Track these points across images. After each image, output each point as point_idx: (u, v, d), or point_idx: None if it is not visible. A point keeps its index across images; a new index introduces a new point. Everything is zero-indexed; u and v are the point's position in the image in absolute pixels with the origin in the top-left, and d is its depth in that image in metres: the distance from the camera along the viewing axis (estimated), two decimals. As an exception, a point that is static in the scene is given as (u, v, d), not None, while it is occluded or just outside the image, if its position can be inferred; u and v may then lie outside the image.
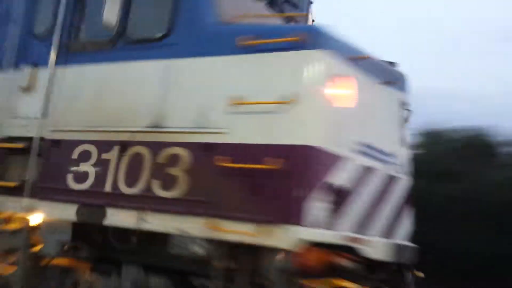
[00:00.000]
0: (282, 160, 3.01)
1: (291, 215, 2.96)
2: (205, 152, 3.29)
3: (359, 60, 3.49)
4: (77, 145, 3.88)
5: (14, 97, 4.36)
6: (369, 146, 3.53)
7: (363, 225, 3.43)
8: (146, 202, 3.44)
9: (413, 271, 4.68)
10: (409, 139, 4.13)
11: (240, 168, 3.12)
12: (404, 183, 3.89)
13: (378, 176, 3.59)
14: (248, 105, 3.18)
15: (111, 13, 3.73)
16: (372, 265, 3.90)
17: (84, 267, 3.95)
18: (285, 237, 2.95)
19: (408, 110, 4.11)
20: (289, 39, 3.19)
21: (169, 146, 3.44)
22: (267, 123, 3.15)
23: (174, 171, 3.38)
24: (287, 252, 2.96)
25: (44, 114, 4.11)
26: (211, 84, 3.40)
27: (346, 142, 3.33)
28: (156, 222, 3.39)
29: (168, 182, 3.38)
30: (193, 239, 3.29)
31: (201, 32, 3.55)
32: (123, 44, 3.86)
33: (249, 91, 3.23)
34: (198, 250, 3.29)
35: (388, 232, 3.71)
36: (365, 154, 3.48)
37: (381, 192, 3.63)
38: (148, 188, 3.45)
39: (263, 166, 3.03)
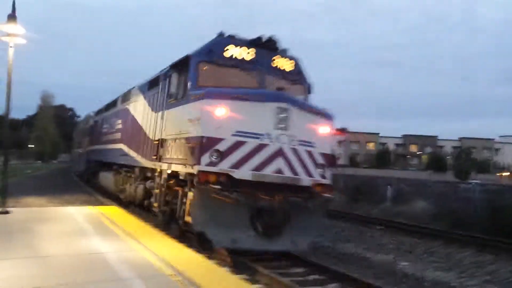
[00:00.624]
0: (195, 142, 8.55)
1: (197, 162, 8.45)
2: (186, 141, 9.07)
3: (238, 98, 8.53)
4: (168, 141, 10.22)
5: (159, 121, 11.06)
6: (243, 132, 8.49)
7: (241, 165, 8.45)
8: (176, 161, 9.47)
9: (318, 194, 9.13)
10: (282, 123, 8.65)
11: (189, 146, 8.78)
12: (271, 146, 8.55)
13: (249, 144, 8.48)
14: (191, 122, 8.82)
15: (173, 90, 9.98)
16: (298, 188, 8.80)
17: (180, 189, 10.17)
18: (195, 169, 8.49)
19: (285, 110, 8.66)
20: (200, 95, 8.66)
21: (182, 139, 9.35)
22: (193, 127, 8.72)
23: (181, 148, 9.29)
24: (196, 174, 8.47)
25: (163, 129, 10.63)
26: (186, 115, 9.16)
27: (225, 131, 8.44)
28: (178, 168, 9.38)
29: (180, 153, 9.31)
30: (183, 173, 9.17)
31: (188, 94, 9.32)
32: (176, 100, 9.97)
33: (191, 116, 8.85)
34: (184, 175, 9.16)
35: (264, 167, 8.51)
36: (239, 135, 8.47)
37: (253, 151, 8.50)
38: (177, 155, 9.47)
39: (192, 145, 8.63)
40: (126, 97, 16.17)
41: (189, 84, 9.48)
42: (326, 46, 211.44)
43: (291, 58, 10.36)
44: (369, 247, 12.73)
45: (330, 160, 9.51)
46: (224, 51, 9.57)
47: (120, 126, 16.51)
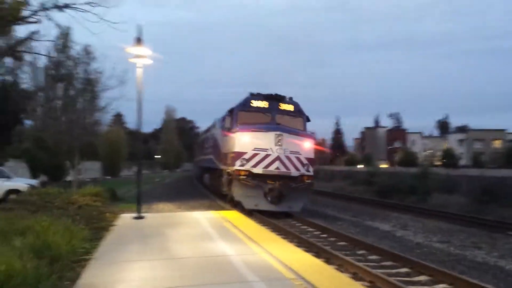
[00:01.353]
0: (234, 154, 17.65)
1: (233, 164, 17.52)
2: (231, 153, 18.17)
3: (254, 130, 17.40)
4: (227, 153, 19.39)
5: (224, 142, 20.30)
6: (257, 148, 17.26)
7: (257, 166, 17.27)
8: (229, 165, 18.61)
9: (304, 181, 17.76)
10: (279, 142, 17.23)
11: (232, 156, 17.87)
12: (273, 155, 17.21)
13: (260, 154, 17.24)
14: (233, 143, 17.93)
15: (228, 125, 19.25)
16: (291, 178, 17.63)
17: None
18: (233, 168, 17.61)
19: (280, 135, 17.26)
20: (233, 130, 17.75)
21: (230, 153, 18.45)
22: (234, 146, 17.79)
23: (230, 158, 18.39)
24: (233, 170, 17.51)
25: (225, 147, 19.85)
26: (232, 140, 18.26)
27: (248, 148, 17.30)
28: (230, 169, 18.51)
29: (230, 160, 18.43)
30: (230, 171, 18.29)
31: (233, 128, 18.42)
32: (229, 131, 19.11)
33: (233, 141, 17.96)
34: (228, 171, 18.31)
35: (269, 166, 17.25)
36: (256, 150, 17.26)
37: (263, 158, 17.25)
38: (229, 162, 18.59)
39: (233, 155, 17.73)
40: (214, 124, 26.07)
41: (234, 122, 18.53)
42: (437, 38, 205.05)
43: (291, 103, 18.88)
44: (503, 255, 12.17)
45: (312, 161, 17.86)
46: (251, 103, 18.45)
47: (211, 144, 26.25)
